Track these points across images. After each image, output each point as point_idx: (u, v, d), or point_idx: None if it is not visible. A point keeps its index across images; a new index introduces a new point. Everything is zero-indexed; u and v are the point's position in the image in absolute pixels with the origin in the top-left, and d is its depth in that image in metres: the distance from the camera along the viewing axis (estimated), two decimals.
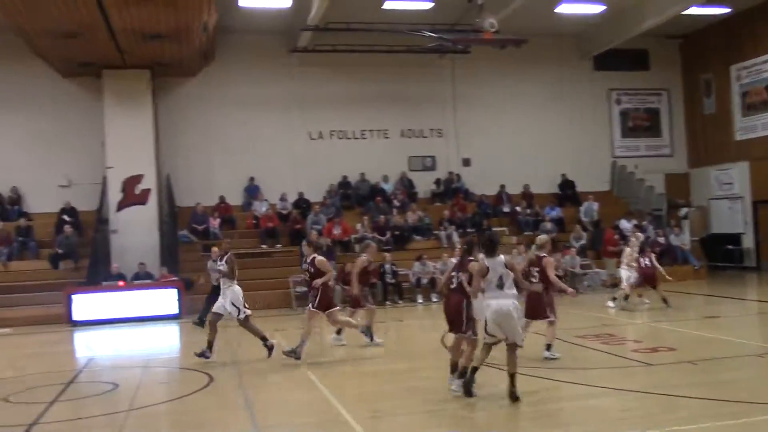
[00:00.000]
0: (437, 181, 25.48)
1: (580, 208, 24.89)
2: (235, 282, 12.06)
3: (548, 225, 23.45)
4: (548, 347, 10.76)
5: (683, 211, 26.01)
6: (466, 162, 25.99)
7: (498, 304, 8.34)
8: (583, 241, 22.95)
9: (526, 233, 23.34)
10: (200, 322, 16.06)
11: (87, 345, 15.76)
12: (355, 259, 14.37)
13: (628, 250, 17.21)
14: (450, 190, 25.23)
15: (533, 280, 10.76)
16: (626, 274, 16.83)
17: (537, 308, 10.75)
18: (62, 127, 22.57)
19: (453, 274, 9.03)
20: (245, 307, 11.95)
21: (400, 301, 20.11)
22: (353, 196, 24.40)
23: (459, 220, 23.52)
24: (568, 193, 26.09)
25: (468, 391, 8.44)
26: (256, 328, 12.11)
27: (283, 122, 24.36)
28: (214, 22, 19.16)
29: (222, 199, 23.26)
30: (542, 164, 26.03)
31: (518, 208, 24.56)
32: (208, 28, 19.11)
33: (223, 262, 12.19)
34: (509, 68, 25.42)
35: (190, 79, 23.54)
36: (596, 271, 21.92)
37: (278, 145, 24.18)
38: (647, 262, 16.52)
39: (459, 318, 8.83)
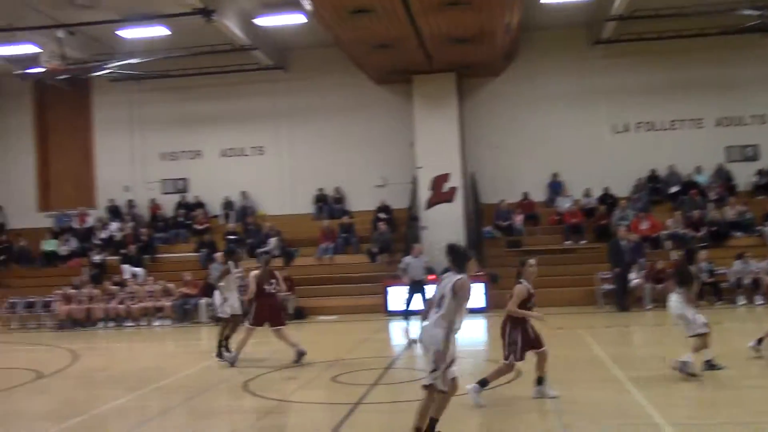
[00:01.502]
0: (760, 172, 23.20)
1: None
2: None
3: None
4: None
5: None
6: None
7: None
8: None
9: None
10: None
11: (402, 333, 16.90)
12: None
13: None
14: None
15: None
16: None
17: None
18: (376, 131, 24.45)
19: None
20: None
21: (718, 303, 18.70)
22: (663, 190, 23.17)
23: None
24: None
25: None
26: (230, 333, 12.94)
27: (586, 116, 23.88)
28: (517, 21, 19.39)
29: (525, 196, 23.48)
30: None
31: None
32: (512, 28, 19.41)
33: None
34: None
35: (493, 79, 24.05)
36: None
37: (581, 140, 23.76)
38: None
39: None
